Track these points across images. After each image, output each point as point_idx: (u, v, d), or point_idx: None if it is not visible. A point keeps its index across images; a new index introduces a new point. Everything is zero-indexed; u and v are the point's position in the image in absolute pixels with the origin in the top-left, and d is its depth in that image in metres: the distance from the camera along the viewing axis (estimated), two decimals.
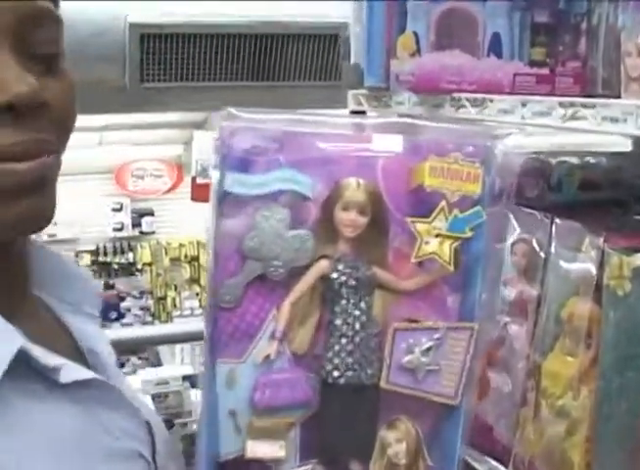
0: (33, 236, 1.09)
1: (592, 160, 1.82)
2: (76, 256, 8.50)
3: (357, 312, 1.17)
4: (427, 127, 1.30)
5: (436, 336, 1.18)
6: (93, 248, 8.63)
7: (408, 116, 1.61)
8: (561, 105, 1.34)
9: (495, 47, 1.63)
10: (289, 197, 1.19)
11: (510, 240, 1.44)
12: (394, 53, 1.76)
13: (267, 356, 1.16)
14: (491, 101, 1.51)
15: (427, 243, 1.18)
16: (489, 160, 1.22)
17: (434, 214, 1.18)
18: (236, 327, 1.19)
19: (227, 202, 1.17)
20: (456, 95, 1.60)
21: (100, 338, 1.21)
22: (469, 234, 1.18)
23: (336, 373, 1.16)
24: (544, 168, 1.68)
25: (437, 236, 1.18)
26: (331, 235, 1.19)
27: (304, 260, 1.18)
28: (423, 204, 1.20)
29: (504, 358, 1.40)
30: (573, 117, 1.31)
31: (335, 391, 1.17)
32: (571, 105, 1.32)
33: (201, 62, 4.15)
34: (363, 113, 1.94)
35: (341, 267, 1.17)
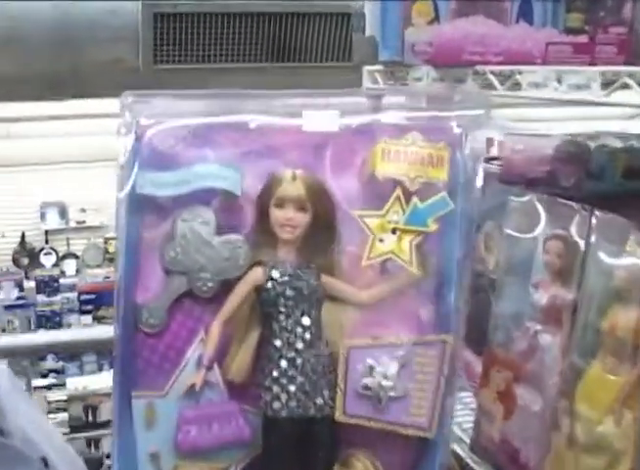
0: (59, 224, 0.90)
1: (638, 143, 1.57)
2: (105, 242, 8.41)
3: (299, 329, 0.96)
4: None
5: (400, 353, 0.97)
6: None
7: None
8: (602, 75, 1.12)
9: (525, 12, 1.39)
10: (214, 196, 1.00)
11: (540, 236, 1.22)
12: (410, 21, 1.55)
13: (192, 387, 0.95)
14: (520, 73, 1.29)
15: (381, 241, 0.97)
16: (457, 141, 1.02)
17: (387, 205, 0.98)
18: (163, 355, 0.99)
19: (141, 207, 0.98)
20: (480, 68, 1.38)
21: None
22: (433, 227, 0.97)
23: (276, 404, 0.95)
24: (582, 153, 1.43)
25: (394, 232, 0.97)
26: (268, 239, 0.99)
27: (237, 271, 0.98)
28: (377, 195, 1.00)
29: (534, 373, 1.19)
30: (618, 90, 1.08)
31: (277, 426, 0.96)
32: (615, 75, 1.10)
33: (216, 43, 3.94)
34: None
35: (276, 275, 0.97)
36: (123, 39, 3.89)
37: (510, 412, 1.21)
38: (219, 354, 0.98)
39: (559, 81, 1.19)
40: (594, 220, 1.09)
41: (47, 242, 8.12)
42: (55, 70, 3.87)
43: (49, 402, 5.42)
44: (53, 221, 8.01)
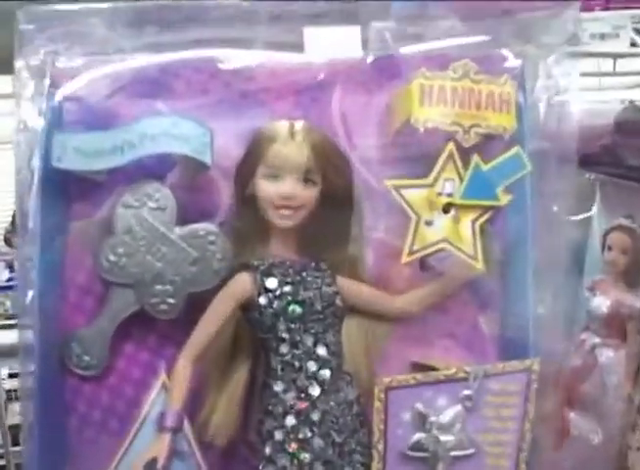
0: None
1: None
2: None
3: (313, 365, 0.63)
4: None
5: (466, 392, 0.64)
6: None
7: None
8: None
9: None
10: (171, 166, 0.69)
11: (597, 226, 1.03)
12: None
13: (153, 461, 0.62)
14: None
15: (428, 223, 0.64)
16: (517, 77, 0.71)
17: (435, 170, 0.64)
18: (107, 411, 0.66)
19: (60, 188, 0.66)
20: None
21: None
22: (504, 199, 0.64)
23: None
24: None
25: (447, 209, 0.66)
26: (256, 227, 0.68)
27: (212, 279, 0.66)
28: (415, 156, 0.69)
29: (591, 396, 0.99)
30: None
31: None
32: None
33: None
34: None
35: (272, 284, 0.65)
36: None
37: (560, 441, 0.97)
38: (191, 407, 0.66)
39: (637, 31, 0.93)
40: None
41: None
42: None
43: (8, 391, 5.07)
44: None
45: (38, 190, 0.66)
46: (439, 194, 0.66)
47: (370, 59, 0.72)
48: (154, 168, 0.67)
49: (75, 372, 0.68)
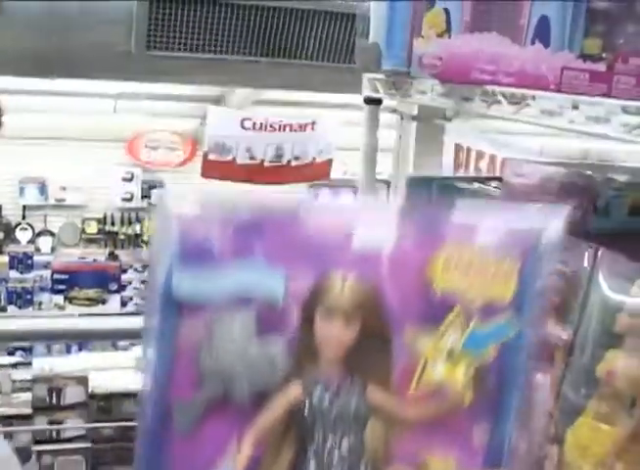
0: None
1: None
2: (83, 222, 8.57)
3: (336, 456, 0.87)
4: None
5: None
6: (100, 216, 8.46)
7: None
8: (625, 110, 1.02)
9: (542, 33, 1.25)
10: (257, 297, 0.90)
11: None
12: (419, 31, 1.45)
13: None
14: (534, 98, 1.19)
15: (434, 366, 0.88)
16: (534, 247, 0.89)
17: (444, 325, 0.87)
18: (192, 463, 0.92)
19: (175, 306, 0.91)
20: (490, 88, 1.28)
21: None
22: (492, 354, 0.87)
23: None
24: (588, 186, 1.32)
25: (449, 356, 0.87)
26: (311, 348, 0.90)
27: (274, 382, 0.90)
28: (435, 310, 0.90)
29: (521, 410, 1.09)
30: None
31: None
32: (638, 111, 1.00)
33: (211, 32, 3.89)
34: (379, 101, 1.68)
35: (316, 395, 0.89)
36: (117, 22, 3.85)
37: None
38: None
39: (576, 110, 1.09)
40: (598, 259, 1.02)
41: (24, 218, 8.27)
42: (44, 48, 3.91)
43: (13, 381, 4.87)
44: (31, 197, 8.16)
45: (160, 307, 0.88)
46: (445, 344, 0.86)
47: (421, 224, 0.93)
48: (244, 297, 0.89)
49: (174, 432, 0.88)
